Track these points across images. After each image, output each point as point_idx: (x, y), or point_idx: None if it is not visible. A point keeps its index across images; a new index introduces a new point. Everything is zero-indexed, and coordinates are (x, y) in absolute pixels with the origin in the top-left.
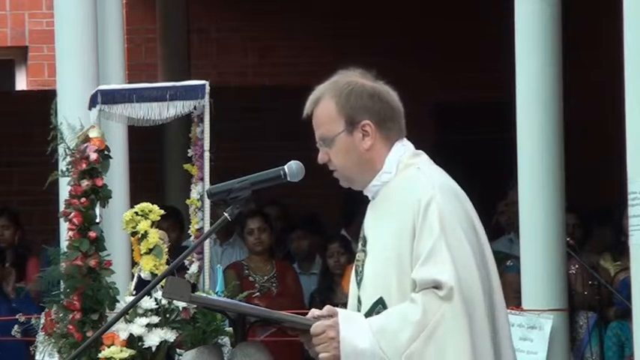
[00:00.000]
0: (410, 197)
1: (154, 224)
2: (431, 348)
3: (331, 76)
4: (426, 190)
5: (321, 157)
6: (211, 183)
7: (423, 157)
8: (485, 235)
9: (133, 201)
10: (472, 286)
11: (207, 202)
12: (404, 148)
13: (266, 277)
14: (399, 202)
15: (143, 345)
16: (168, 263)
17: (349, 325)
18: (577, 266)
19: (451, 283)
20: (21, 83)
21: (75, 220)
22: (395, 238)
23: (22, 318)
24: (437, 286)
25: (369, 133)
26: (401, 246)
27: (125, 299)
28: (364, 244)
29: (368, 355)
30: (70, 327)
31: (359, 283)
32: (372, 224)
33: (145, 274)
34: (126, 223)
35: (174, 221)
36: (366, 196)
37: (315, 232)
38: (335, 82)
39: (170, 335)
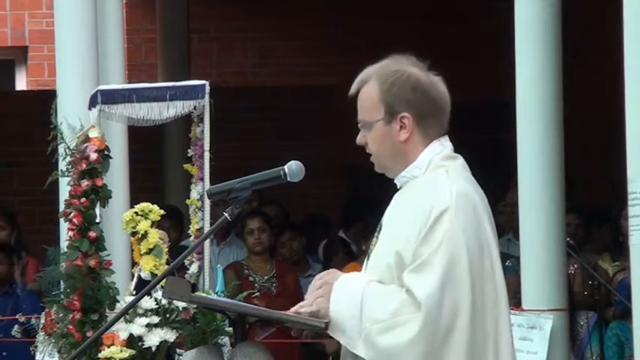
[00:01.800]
0: (427, 201)
1: (154, 224)
2: (384, 340)
3: (382, 60)
4: (444, 198)
5: (360, 139)
6: (211, 183)
7: (457, 162)
8: (497, 252)
9: (133, 201)
10: (457, 308)
11: (207, 202)
12: (441, 147)
13: (266, 277)
14: (417, 202)
15: (143, 345)
16: (168, 263)
17: (340, 295)
18: (576, 266)
19: (421, 299)
20: (21, 83)
21: (75, 220)
22: (402, 237)
23: (22, 318)
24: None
25: (407, 126)
26: (405, 246)
27: (125, 299)
28: (379, 231)
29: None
30: (70, 327)
31: (366, 269)
32: (390, 214)
33: (145, 274)
34: (126, 223)
35: (176, 221)
36: (368, 201)
37: (306, 233)
38: (384, 66)
39: (170, 335)
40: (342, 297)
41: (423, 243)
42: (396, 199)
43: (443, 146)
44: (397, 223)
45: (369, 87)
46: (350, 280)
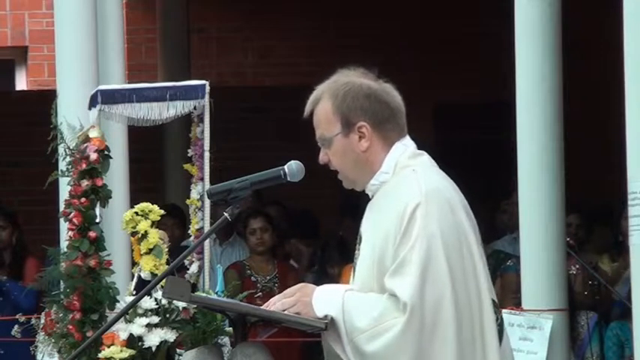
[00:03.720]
0: (399, 201)
1: (154, 224)
2: (371, 347)
3: (331, 75)
4: (414, 195)
5: (322, 158)
6: (211, 183)
7: (423, 158)
8: (479, 245)
9: (133, 201)
10: (440, 302)
11: (207, 202)
12: (404, 147)
13: (268, 278)
14: (390, 205)
15: (143, 345)
16: (168, 263)
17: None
18: (577, 266)
19: (404, 300)
20: (21, 83)
21: (75, 220)
22: (381, 241)
23: (22, 318)
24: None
25: (366, 135)
26: (385, 249)
27: (125, 299)
28: (359, 242)
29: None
30: (70, 327)
31: (353, 280)
32: (367, 224)
33: (145, 274)
34: (126, 223)
35: (178, 219)
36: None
37: (309, 233)
38: (334, 82)
39: (170, 335)
40: (323, 309)
41: (400, 244)
42: (370, 208)
43: (405, 146)
44: (375, 232)
45: (323, 104)
46: (327, 291)
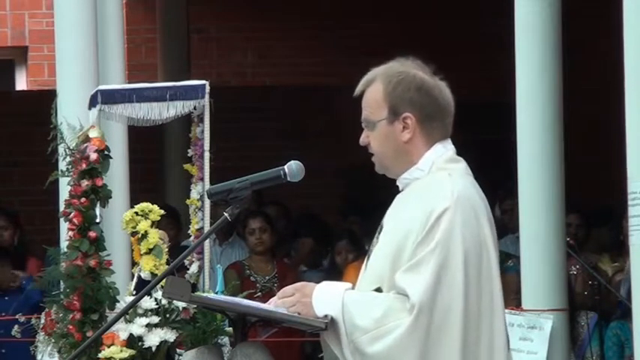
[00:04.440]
0: (428, 202)
1: (153, 224)
2: (374, 348)
3: (386, 63)
4: (445, 199)
5: (363, 139)
6: (211, 183)
7: (460, 165)
8: (497, 261)
9: (133, 201)
10: (450, 308)
11: (207, 202)
12: (444, 149)
13: (267, 278)
14: (419, 202)
15: (143, 345)
16: (168, 263)
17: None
18: (578, 267)
19: (415, 300)
20: (21, 83)
21: (75, 220)
22: (402, 237)
23: (22, 318)
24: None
25: (410, 126)
26: (404, 245)
27: (125, 299)
28: (379, 232)
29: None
30: (70, 327)
31: (366, 268)
32: (391, 215)
33: (145, 274)
34: (126, 223)
35: (171, 219)
36: (368, 203)
37: (314, 232)
38: (389, 67)
39: (170, 335)
40: (323, 308)
41: (420, 244)
42: (398, 201)
43: (446, 149)
44: (398, 225)
45: (374, 87)
46: (327, 291)
